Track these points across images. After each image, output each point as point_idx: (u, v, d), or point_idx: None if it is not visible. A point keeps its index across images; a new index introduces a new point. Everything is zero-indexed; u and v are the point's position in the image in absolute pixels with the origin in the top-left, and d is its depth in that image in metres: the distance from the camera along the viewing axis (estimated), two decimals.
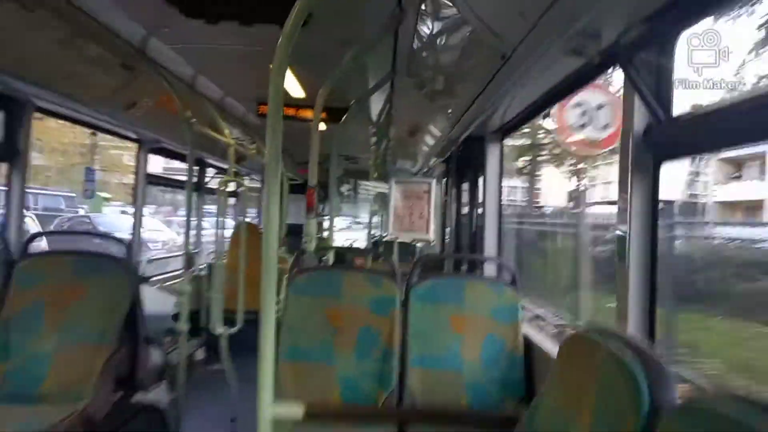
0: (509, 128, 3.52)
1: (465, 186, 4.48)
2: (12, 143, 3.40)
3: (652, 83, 1.61)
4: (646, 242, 1.69)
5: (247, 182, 7.84)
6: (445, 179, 5.26)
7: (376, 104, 4.89)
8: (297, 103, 4.98)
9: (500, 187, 3.65)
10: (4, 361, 2.74)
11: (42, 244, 6.97)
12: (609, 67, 1.88)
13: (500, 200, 3.65)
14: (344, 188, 10.73)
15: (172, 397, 3.57)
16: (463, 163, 4.21)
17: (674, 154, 1.63)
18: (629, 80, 1.67)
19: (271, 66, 4.54)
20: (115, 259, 3.07)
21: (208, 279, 5.45)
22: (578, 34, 1.72)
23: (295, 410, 1.80)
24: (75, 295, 2.86)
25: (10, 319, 2.79)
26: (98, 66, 3.41)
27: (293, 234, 6.39)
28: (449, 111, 3.67)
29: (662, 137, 1.62)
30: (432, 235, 4.13)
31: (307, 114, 5.07)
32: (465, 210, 4.47)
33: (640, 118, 1.69)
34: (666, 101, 1.60)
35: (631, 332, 1.68)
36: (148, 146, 4.98)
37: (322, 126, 4.98)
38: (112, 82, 3.65)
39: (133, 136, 4.83)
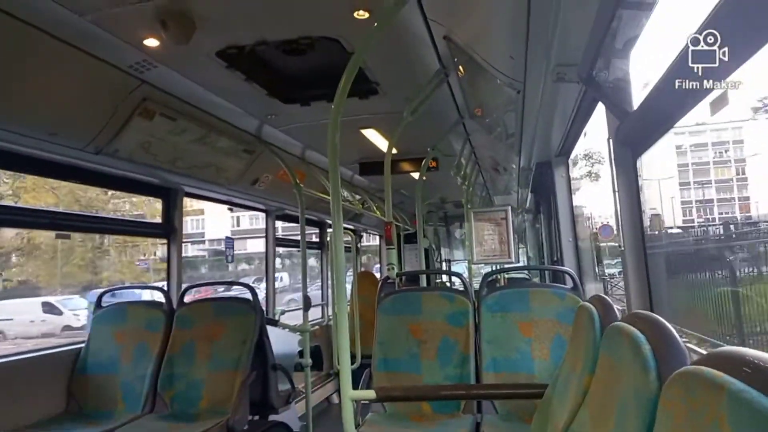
0: (567, 150, 3.79)
1: (544, 208, 4.71)
2: (170, 223, 4.42)
3: (615, 92, 1.92)
4: (636, 234, 1.93)
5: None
6: (535, 207, 5.50)
7: (461, 148, 5.37)
8: (395, 159, 5.58)
9: (571, 205, 3.89)
10: (171, 387, 3.55)
11: None
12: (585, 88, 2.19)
13: (573, 216, 3.88)
14: (458, 233, 11.13)
15: (300, 418, 4.16)
16: (541, 188, 4.48)
17: (643, 144, 1.90)
18: (593, 93, 1.99)
19: (361, 131, 5.25)
20: (244, 300, 3.82)
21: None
22: (558, 65, 2.10)
23: (369, 394, 2.26)
24: (217, 331, 3.63)
25: (174, 354, 3.62)
26: (227, 154, 4.32)
27: (410, 281, 6.83)
28: (510, 143, 4.05)
29: (628, 132, 1.90)
30: (513, 257, 4.39)
31: (405, 167, 5.69)
32: (550, 230, 4.68)
33: (612, 122, 1.98)
34: (628, 104, 1.89)
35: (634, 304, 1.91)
36: (274, 214, 5.93)
37: (415, 175, 5.56)
38: (239, 165, 4.54)
39: (261, 206, 5.81)
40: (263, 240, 5.95)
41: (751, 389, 0.67)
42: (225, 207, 5.73)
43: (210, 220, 28.72)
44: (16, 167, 3.64)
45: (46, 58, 2.58)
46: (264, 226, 6.03)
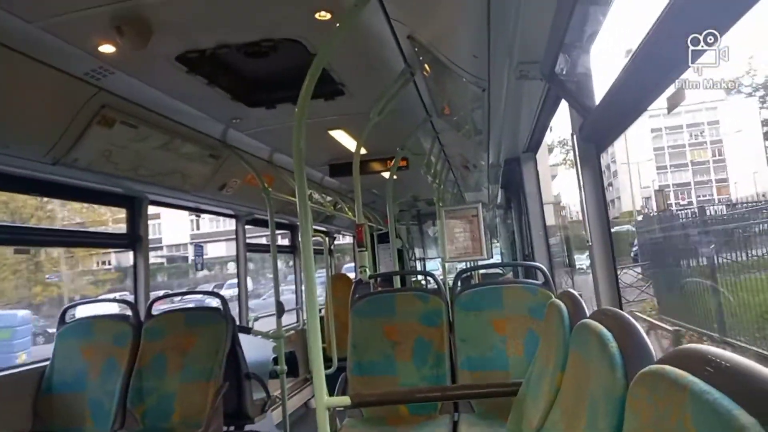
0: (535, 146, 3.83)
1: (515, 204, 4.76)
2: (135, 233, 4.30)
3: (577, 88, 1.93)
4: (603, 227, 1.95)
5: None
6: (506, 202, 5.57)
7: (431, 147, 5.36)
8: (365, 159, 5.54)
9: (541, 200, 3.93)
10: (141, 402, 3.46)
11: None
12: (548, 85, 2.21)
13: (542, 211, 3.92)
14: (431, 231, 11.17)
15: (278, 426, 4.11)
16: (511, 184, 4.52)
17: (606, 139, 1.92)
18: (556, 90, 2.00)
19: (329, 132, 5.20)
20: (214, 310, 3.74)
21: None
22: (520, 63, 2.10)
23: (344, 400, 2.23)
24: (188, 342, 3.55)
25: (143, 368, 3.53)
26: (192, 160, 4.21)
27: (385, 282, 6.80)
28: (478, 140, 4.06)
29: (591, 128, 1.91)
30: (486, 254, 4.42)
31: (375, 167, 5.66)
32: (521, 225, 4.73)
33: (576, 118, 2.00)
34: (590, 99, 1.90)
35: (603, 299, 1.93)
36: (243, 219, 5.83)
37: (386, 174, 5.54)
38: (205, 170, 4.44)
39: (230, 212, 5.71)
40: (225, 244, 5.87)
41: (713, 390, 0.67)
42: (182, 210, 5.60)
43: (167, 225, 27.39)
44: None
45: None
46: (227, 229, 5.91)
